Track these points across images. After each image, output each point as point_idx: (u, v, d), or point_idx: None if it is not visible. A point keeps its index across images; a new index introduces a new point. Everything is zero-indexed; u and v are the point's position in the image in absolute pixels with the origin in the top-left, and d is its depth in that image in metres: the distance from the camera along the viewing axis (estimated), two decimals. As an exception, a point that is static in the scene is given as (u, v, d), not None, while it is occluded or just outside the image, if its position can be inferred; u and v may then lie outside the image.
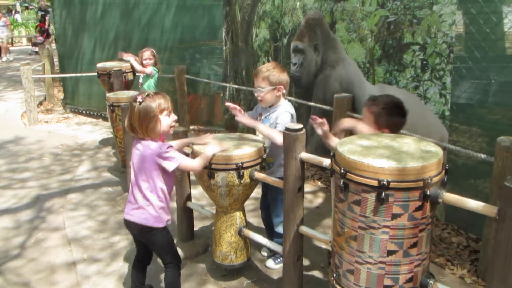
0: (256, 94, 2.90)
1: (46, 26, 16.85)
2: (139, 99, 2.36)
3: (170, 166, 2.39)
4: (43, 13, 16.90)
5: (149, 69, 5.37)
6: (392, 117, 2.35)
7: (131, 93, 4.95)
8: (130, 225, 2.50)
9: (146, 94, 2.40)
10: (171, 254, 2.57)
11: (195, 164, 2.56)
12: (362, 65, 4.19)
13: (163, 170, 2.41)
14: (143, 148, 2.39)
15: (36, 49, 16.08)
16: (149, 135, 2.39)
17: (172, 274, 2.57)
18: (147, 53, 5.43)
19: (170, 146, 2.44)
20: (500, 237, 1.63)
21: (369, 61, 4.11)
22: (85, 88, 8.31)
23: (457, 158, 3.48)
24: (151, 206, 2.43)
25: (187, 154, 3.10)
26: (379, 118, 2.34)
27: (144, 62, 5.50)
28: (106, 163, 5.54)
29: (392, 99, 2.42)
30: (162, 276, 2.79)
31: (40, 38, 16.35)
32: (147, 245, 2.58)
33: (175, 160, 2.40)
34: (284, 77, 2.90)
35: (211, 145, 2.65)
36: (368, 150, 1.91)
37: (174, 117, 2.46)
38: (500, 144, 2.63)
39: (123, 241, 3.57)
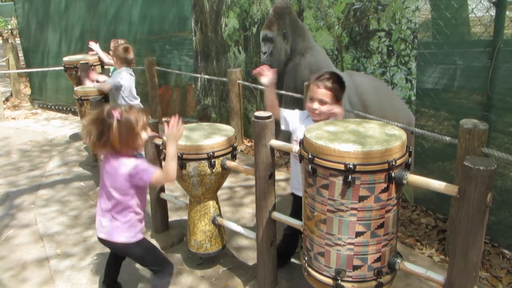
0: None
1: None
2: (117, 115, 2.17)
3: (143, 183, 2.27)
4: None
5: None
6: (343, 91, 2.49)
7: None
8: (105, 243, 2.41)
9: (123, 109, 2.21)
10: (156, 263, 2.46)
11: (167, 176, 2.24)
12: (331, 53, 4.24)
13: (137, 186, 2.30)
14: (117, 166, 2.25)
15: None
16: (126, 152, 2.24)
17: (162, 278, 2.47)
18: (111, 45, 5.35)
19: (139, 164, 2.26)
20: (461, 215, 1.70)
21: (337, 48, 4.16)
22: (53, 83, 8.14)
23: (424, 141, 3.58)
24: (125, 222, 2.33)
25: (158, 146, 3.09)
26: (338, 93, 2.47)
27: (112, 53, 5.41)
28: (77, 158, 5.46)
29: (335, 72, 2.54)
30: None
31: None
32: (129, 257, 2.54)
33: (147, 177, 2.23)
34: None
35: (169, 140, 2.27)
36: (335, 135, 1.96)
37: (149, 132, 2.36)
38: (463, 127, 2.72)
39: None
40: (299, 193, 2.65)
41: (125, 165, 2.24)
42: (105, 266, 2.71)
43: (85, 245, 3.41)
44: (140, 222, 2.41)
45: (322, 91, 2.46)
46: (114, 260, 2.68)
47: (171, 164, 2.22)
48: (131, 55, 4.50)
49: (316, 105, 2.49)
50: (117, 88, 4.43)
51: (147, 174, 2.22)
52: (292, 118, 2.70)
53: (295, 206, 2.77)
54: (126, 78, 4.44)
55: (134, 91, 4.57)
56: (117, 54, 4.43)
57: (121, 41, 5.22)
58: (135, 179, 2.24)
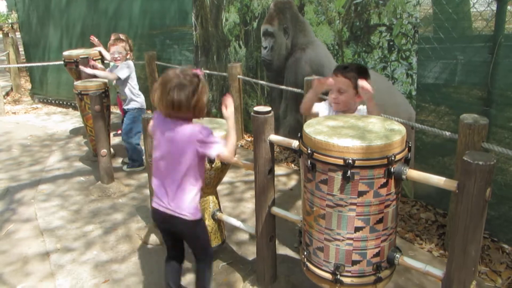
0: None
1: None
2: (199, 73, 2.09)
3: (211, 154, 2.12)
4: None
5: None
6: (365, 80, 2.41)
7: (100, 81, 4.86)
8: (168, 220, 2.22)
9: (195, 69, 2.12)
10: (208, 245, 2.39)
11: (230, 153, 2.19)
12: (331, 47, 4.23)
13: (201, 157, 2.16)
14: (181, 131, 2.10)
15: None
16: (196, 115, 2.12)
17: (207, 268, 2.40)
18: (113, 40, 5.33)
19: (210, 131, 2.15)
20: (460, 210, 1.70)
21: (338, 43, 4.15)
22: (54, 77, 8.13)
23: (424, 136, 3.58)
24: (192, 196, 2.19)
25: None
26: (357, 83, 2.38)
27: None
28: (78, 152, 5.46)
29: (362, 65, 2.50)
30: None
31: None
32: (186, 240, 2.35)
33: (217, 147, 2.12)
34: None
35: (229, 115, 2.25)
36: (334, 130, 1.95)
37: None
38: (463, 122, 2.71)
39: (97, 230, 3.55)
40: None
41: (195, 129, 2.11)
42: (165, 272, 2.46)
43: (85, 240, 3.41)
44: (199, 197, 2.27)
45: (339, 79, 2.42)
46: (174, 262, 2.44)
47: (232, 136, 2.21)
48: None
49: (335, 94, 2.45)
50: (126, 78, 4.50)
51: (220, 145, 2.13)
52: (321, 111, 2.63)
53: None
54: (134, 69, 4.58)
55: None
56: (126, 45, 4.62)
57: (121, 36, 5.20)
58: (205, 147, 2.11)
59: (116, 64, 4.72)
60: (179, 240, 2.41)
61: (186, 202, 2.18)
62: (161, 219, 2.26)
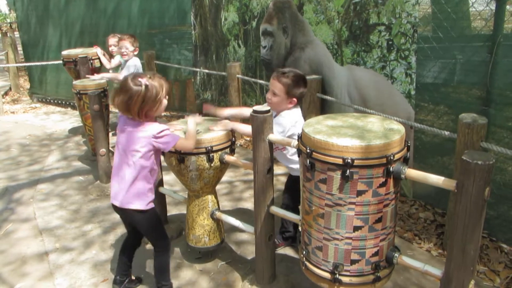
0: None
1: None
2: (144, 81, 2.29)
3: (166, 147, 2.39)
4: None
5: (116, 60, 5.25)
6: (300, 89, 2.71)
7: (98, 80, 4.85)
8: (119, 210, 2.49)
9: (148, 76, 2.33)
10: (161, 236, 2.59)
11: (189, 143, 2.51)
12: (331, 47, 4.23)
13: (156, 151, 2.42)
14: (139, 130, 2.34)
15: None
16: (145, 118, 2.35)
17: (163, 255, 2.61)
18: (111, 40, 5.33)
19: (165, 128, 2.40)
20: (459, 209, 1.70)
21: (337, 42, 4.15)
22: (52, 77, 8.12)
23: (423, 136, 3.58)
24: (141, 188, 2.42)
25: None
26: (290, 89, 2.67)
27: (110, 49, 5.39)
28: (76, 152, 5.46)
29: (299, 72, 2.76)
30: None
31: None
32: (137, 227, 2.59)
33: (172, 141, 2.39)
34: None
35: (189, 120, 2.62)
36: (334, 130, 1.95)
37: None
38: (462, 121, 2.71)
39: (96, 230, 3.55)
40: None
41: (151, 128, 2.35)
42: (119, 256, 2.73)
43: (84, 239, 3.41)
44: (152, 192, 2.50)
45: (274, 83, 2.71)
46: (129, 247, 2.72)
47: (191, 133, 2.53)
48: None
49: (269, 95, 2.75)
50: None
51: (173, 137, 2.40)
52: None
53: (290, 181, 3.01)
54: (140, 66, 4.69)
55: None
56: (134, 42, 4.72)
57: (119, 35, 5.20)
58: (159, 141, 2.35)
59: (124, 59, 4.75)
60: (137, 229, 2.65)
61: (141, 196, 2.42)
62: (120, 212, 2.52)
